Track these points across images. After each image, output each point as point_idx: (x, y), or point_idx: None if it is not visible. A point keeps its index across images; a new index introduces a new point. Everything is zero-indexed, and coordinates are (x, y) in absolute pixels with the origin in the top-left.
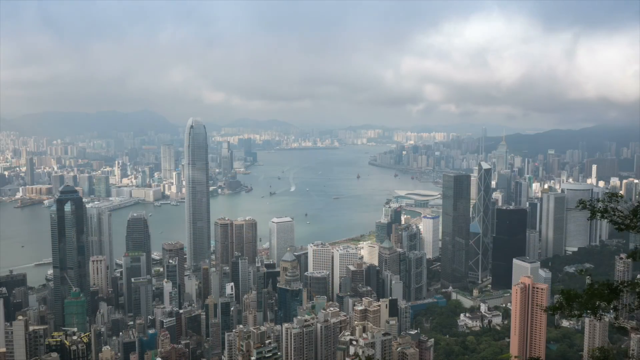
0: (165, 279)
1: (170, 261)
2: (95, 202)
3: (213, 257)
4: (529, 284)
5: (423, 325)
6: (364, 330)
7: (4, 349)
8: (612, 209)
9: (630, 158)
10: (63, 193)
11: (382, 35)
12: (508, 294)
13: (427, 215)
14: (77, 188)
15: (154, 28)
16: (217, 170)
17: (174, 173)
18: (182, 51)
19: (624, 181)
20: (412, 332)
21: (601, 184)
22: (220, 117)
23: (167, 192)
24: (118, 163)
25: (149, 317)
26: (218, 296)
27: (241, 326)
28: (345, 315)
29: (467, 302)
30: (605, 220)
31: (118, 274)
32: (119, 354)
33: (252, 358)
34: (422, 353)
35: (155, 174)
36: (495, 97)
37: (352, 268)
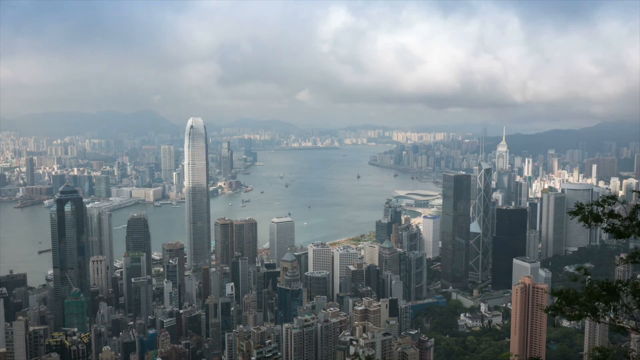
0: (166, 279)
1: (171, 261)
2: (96, 202)
3: (213, 257)
4: (529, 284)
5: (423, 325)
6: (364, 330)
7: (4, 349)
8: (606, 214)
9: (630, 158)
10: (63, 193)
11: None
12: (508, 294)
13: (427, 215)
14: (77, 188)
15: (154, 28)
16: (217, 170)
17: (174, 173)
18: (184, 50)
19: (624, 181)
20: (412, 332)
21: (601, 183)
22: (220, 117)
23: (167, 192)
24: (118, 163)
25: (149, 317)
26: (218, 296)
27: (241, 326)
28: (345, 315)
29: (467, 302)
30: (601, 228)
31: (118, 274)
32: (119, 354)
33: (252, 358)
34: (422, 353)
35: (155, 174)
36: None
37: (352, 268)
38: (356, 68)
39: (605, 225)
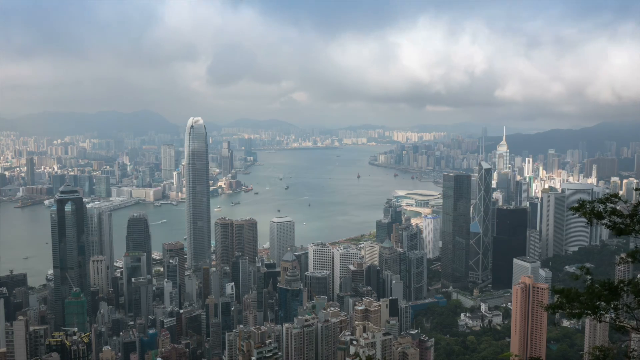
0: (166, 279)
1: (171, 261)
2: (96, 202)
3: (213, 257)
4: (529, 284)
5: (423, 325)
6: (365, 330)
7: (4, 349)
8: (608, 212)
9: (630, 158)
10: (63, 193)
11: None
12: (508, 294)
13: (428, 215)
14: (77, 188)
15: (153, 27)
16: (217, 170)
17: (174, 173)
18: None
19: (624, 181)
20: (412, 332)
21: (601, 183)
22: (220, 117)
23: (167, 192)
24: (118, 163)
25: (150, 317)
26: (218, 296)
27: (241, 326)
28: (345, 315)
29: (467, 302)
30: (602, 224)
31: (118, 274)
32: (119, 354)
33: (253, 358)
34: (422, 353)
35: (156, 174)
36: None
37: (352, 268)
38: (346, 67)
39: (606, 221)
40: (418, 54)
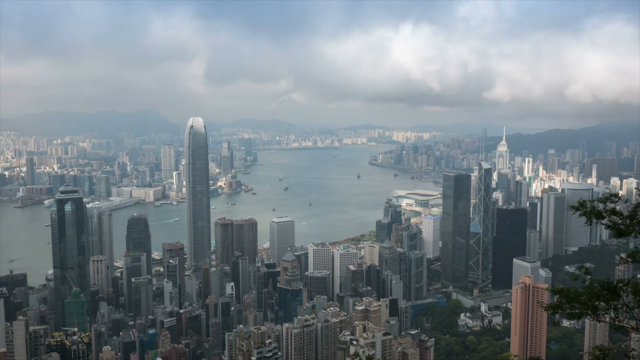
0: (166, 279)
1: (171, 261)
2: (96, 202)
3: (213, 257)
4: (529, 284)
5: (423, 325)
6: (364, 330)
7: (4, 349)
8: (607, 211)
9: (630, 158)
10: (63, 193)
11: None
12: (508, 294)
13: (428, 215)
14: (77, 188)
15: (149, 28)
16: (217, 170)
17: (174, 173)
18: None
19: (624, 181)
20: (412, 332)
21: (601, 183)
22: (220, 117)
23: (167, 192)
24: (118, 163)
25: (150, 317)
26: (218, 296)
27: (241, 326)
28: (345, 315)
29: (467, 302)
30: (602, 224)
31: (118, 274)
32: (119, 354)
33: (253, 358)
34: (422, 353)
35: (156, 174)
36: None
37: (352, 268)
38: (340, 67)
39: (606, 221)
40: (411, 51)
